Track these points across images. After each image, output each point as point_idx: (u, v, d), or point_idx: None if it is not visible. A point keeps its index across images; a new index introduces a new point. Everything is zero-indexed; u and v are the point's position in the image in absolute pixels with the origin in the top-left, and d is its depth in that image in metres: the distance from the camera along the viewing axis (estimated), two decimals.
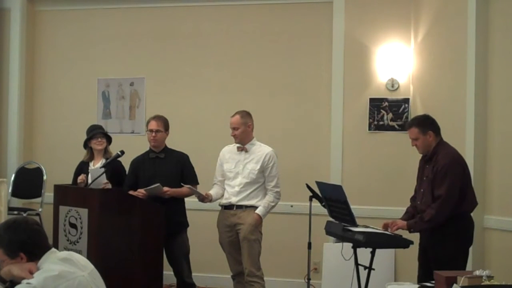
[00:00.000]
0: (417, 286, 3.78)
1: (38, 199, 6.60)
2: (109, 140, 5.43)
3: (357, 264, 4.39)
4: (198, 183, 5.18)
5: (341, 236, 4.33)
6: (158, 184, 4.92)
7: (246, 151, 5.00)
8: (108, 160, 5.17)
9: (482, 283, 3.23)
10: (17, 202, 6.73)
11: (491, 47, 4.67)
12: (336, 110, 6.12)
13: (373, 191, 6.00)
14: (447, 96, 5.26)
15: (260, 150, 5.00)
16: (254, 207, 4.90)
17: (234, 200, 4.94)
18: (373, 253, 4.24)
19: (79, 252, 4.26)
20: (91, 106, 6.79)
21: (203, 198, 5.00)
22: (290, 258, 6.11)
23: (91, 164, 5.36)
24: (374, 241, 4.15)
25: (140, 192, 4.95)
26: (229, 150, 5.10)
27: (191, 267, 5.22)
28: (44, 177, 6.59)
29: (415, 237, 4.35)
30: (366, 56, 6.07)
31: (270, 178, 4.95)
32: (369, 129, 6.06)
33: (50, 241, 3.55)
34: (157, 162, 5.15)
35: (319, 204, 4.87)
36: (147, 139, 5.22)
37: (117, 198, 4.91)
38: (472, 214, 4.22)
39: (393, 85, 6.00)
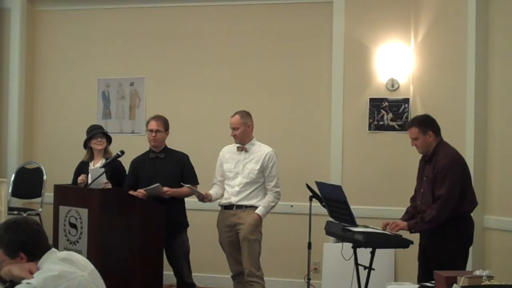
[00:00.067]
0: (417, 286, 3.78)
1: (38, 199, 6.60)
2: (109, 140, 5.43)
3: (357, 264, 4.39)
4: (198, 183, 5.18)
5: (341, 236, 4.33)
6: (158, 184, 4.92)
7: (246, 151, 5.00)
8: (108, 160, 5.18)
9: (482, 283, 3.23)
10: (17, 202, 6.73)
11: (491, 47, 4.67)
12: (336, 110, 6.12)
13: (373, 191, 6.00)
14: (447, 96, 5.26)
15: (260, 150, 5.00)
16: (254, 207, 4.90)
17: (234, 200, 4.94)
18: (373, 253, 4.24)
19: (79, 252, 4.27)
20: (91, 106, 6.79)
21: (203, 198, 5.00)
22: (290, 258, 6.11)
23: (91, 164, 5.36)
24: (374, 241, 4.15)
25: (140, 192, 4.95)
26: (229, 150, 5.10)
27: (191, 267, 5.22)
28: (44, 177, 6.59)
29: (415, 237, 4.35)
30: (366, 56, 6.07)
31: (270, 178, 4.95)
32: (369, 129, 6.06)
33: (50, 241, 3.55)
34: (157, 162, 5.15)
35: (319, 204, 4.87)
36: (147, 139, 5.22)
37: (117, 198, 4.91)
38: (472, 214, 4.22)
39: (393, 85, 6.00)
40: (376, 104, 6.03)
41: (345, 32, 6.09)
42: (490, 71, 4.67)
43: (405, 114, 5.95)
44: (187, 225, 5.21)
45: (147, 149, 5.24)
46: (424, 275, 4.17)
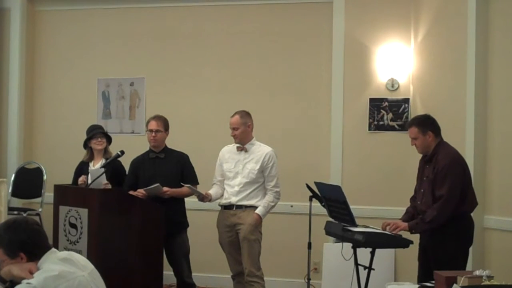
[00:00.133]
0: (417, 286, 3.78)
1: (38, 199, 6.60)
2: (109, 140, 5.43)
3: (357, 264, 4.39)
4: (198, 183, 5.18)
5: (341, 236, 4.32)
6: (157, 184, 4.92)
7: (246, 151, 5.00)
8: (108, 160, 5.18)
9: (482, 283, 3.23)
10: (17, 202, 6.73)
11: (491, 47, 4.67)
12: (336, 110, 6.12)
13: (373, 191, 5.99)
14: (447, 96, 5.26)
15: (260, 150, 5.00)
16: (254, 207, 4.90)
17: (233, 200, 4.94)
18: (373, 253, 4.24)
19: (79, 252, 4.26)
20: (91, 106, 6.79)
21: (203, 198, 5.00)
22: (290, 258, 6.11)
23: (91, 164, 5.36)
24: (374, 241, 4.15)
25: (140, 192, 4.95)
26: (229, 150, 5.10)
27: (191, 267, 5.22)
28: (44, 177, 6.59)
29: (415, 237, 4.35)
30: (366, 56, 6.07)
31: (270, 178, 4.96)
32: (369, 129, 6.06)
33: (50, 241, 3.56)
34: (157, 162, 5.15)
35: (319, 204, 4.86)
36: (147, 139, 5.22)
37: (117, 198, 4.91)
38: (472, 214, 4.22)
39: (393, 85, 6.00)
40: (376, 104, 6.03)
41: (345, 32, 6.09)
42: (490, 71, 4.67)
43: (405, 114, 5.95)
44: (187, 225, 5.21)
45: (147, 149, 5.24)
46: (424, 275, 4.16)
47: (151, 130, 5.13)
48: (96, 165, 5.29)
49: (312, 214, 4.90)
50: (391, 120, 6.00)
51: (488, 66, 4.68)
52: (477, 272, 3.31)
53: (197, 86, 6.56)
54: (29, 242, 2.72)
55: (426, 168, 4.32)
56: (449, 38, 5.26)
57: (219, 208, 5.09)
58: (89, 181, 5.10)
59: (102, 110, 6.80)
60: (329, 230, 4.55)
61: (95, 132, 5.37)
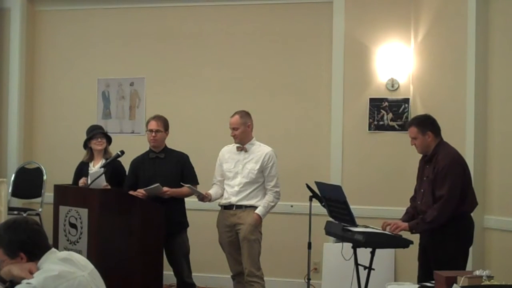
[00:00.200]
0: (417, 286, 3.78)
1: (38, 199, 6.60)
2: (109, 140, 5.42)
3: (357, 264, 4.39)
4: (198, 183, 5.18)
5: (341, 236, 4.32)
6: (157, 184, 4.92)
7: (246, 151, 5.00)
8: (108, 160, 5.17)
9: (482, 283, 3.23)
10: (17, 202, 6.73)
11: (491, 47, 4.67)
12: (336, 110, 6.12)
13: (373, 191, 5.99)
14: (447, 96, 5.26)
15: (260, 150, 5.00)
16: (254, 207, 4.90)
17: (233, 200, 4.94)
18: (373, 253, 4.24)
19: (79, 252, 4.27)
20: (91, 106, 6.79)
21: (203, 198, 5.00)
22: (290, 258, 6.11)
23: (91, 164, 5.36)
24: (374, 241, 4.15)
25: (140, 192, 4.95)
26: (229, 150, 5.10)
27: (191, 267, 5.22)
28: (44, 177, 6.59)
29: (415, 237, 4.35)
30: (366, 56, 6.07)
31: (270, 178, 4.95)
32: (369, 129, 6.06)
33: (50, 241, 3.56)
34: (157, 162, 5.15)
35: (319, 204, 4.86)
36: (147, 139, 5.22)
37: (117, 198, 4.92)
38: (472, 214, 4.22)
39: (393, 85, 6.00)
40: (376, 104, 6.03)
41: (345, 32, 6.09)
42: (490, 71, 4.67)
43: (405, 114, 5.95)
44: (187, 225, 5.21)
45: (147, 149, 5.24)
46: (424, 275, 4.16)
47: (151, 130, 5.13)
48: (96, 166, 5.29)
49: (312, 214, 4.90)
50: (391, 120, 6.00)
51: (488, 66, 4.68)
52: (477, 272, 3.31)
53: (197, 86, 6.56)
54: (29, 242, 2.72)
55: (426, 168, 4.32)
56: (449, 38, 5.26)
57: (219, 208, 5.09)
58: (89, 182, 5.10)
59: (102, 110, 6.80)
60: (329, 230, 4.55)
61: (95, 132, 5.37)
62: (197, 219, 5.58)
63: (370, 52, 6.07)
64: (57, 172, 6.33)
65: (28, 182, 6.70)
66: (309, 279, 5.08)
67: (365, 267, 4.29)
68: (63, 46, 6.91)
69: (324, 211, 4.74)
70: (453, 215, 4.08)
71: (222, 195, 5.07)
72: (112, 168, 5.18)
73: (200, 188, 5.10)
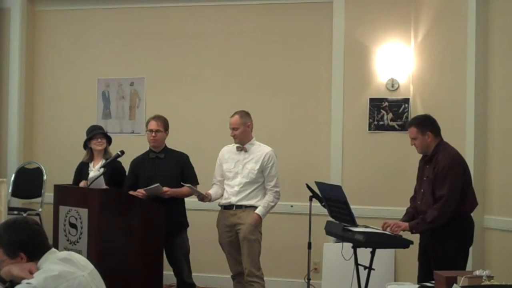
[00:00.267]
0: (417, 286, 3.78)
1: (38, 199, 6.60)
2: (109, 140, 5.42)
3: (357, 264, 4.39)
4: (198, 183, 5.18)
5: (341, 236, 4.32)
6: (157, 184, 4.92)
7: (246, 151, 5.00)
8: (108, 160, 5.17)
9: (482, 283, 3.23)
10: (17, 202, 6.73)
11: (491, 47, 4.67)
12: (336, 110, 6.12)
13: (373, 191, 5.99)
14: (447, 96, 5.26)
15: (260, 150, 5.00)
16: (254, 207, 4.90)
17: (233, 200, 4.94)
18: (373, 253, 4.24)
19: (79, 252, 4.27)
20: (91, 106, 6.79)
21: (203, 198, 5.00)
22: (290, 258, 6.11)
23: (91, 165, 5.36)
24: (374, 241, 4.15)
25: (140, 192, 4.95)
26: (229, 150, 5.10)
27: (191, 267, 5.22)
28: (44, 177, 6.59)
29: (415, 237, 4.35)
30: (366, 56, 6.08)
31: (270, 178, 4.95)
32: (369, 129, 6.06)
33: (50, 241, 3.56)
34: (157, 162, 5.15)
35: (319, 204, 4.87)
36: (147, 139, 5.22)
37: (117, 198, 4.92)
38: (472, 214, 4.22)
39: (393, 85, 6.00)
40: (376, 104, 6.03)
41: (345, 32, 6.09)
42: (490, 71, 4.67)
43: (405, 114, 5.95)
44: (187, 225, 5.21)
45: (147, 149, 5.24)
46: (424, 275, 4.16)
47: (151, 130, 5.13)
48: (96, 166, 5.29)
49: (312, 214, 4.90)
50: (391, 120, 6.00)
51: (488, 66, 4.68)
52: (477, 272, 3.31)
53: (197, 86, 6.56)
54: (29, 242, 2.72)
55: (426, 168, 4.32)
56: (449, 38, 5.26)
57: (219, 208, 5.09)
58: (89, 182, 5.11)
59: (102, 110, 6.80)
60: (330, 230, 4.55)
61: (95, 132, 5.37)
62: (197, 219, 5.58)
63: (370, 52, 6.07)
64: (57, 172, 6.33)
65: (28, 182, 6.70)
66: (309, 279, 5.08)
67: (365, 267, 4.29)
68: (63, 46, 6.91)
69: (324, 211, 4.74)
70: (453, 215, 4.08)
71: (222, 195, 5.07)
72: (112, 168, 5.18)
73: (200, 188, 5.10)
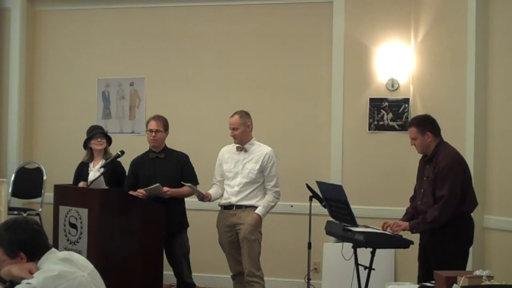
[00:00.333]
0: (417, 286, 3.78)
1: (38, 199, 6.60)
2: (109, 140, 5.42)
3: (357, 264, 4.39)
4: (198, 183, 5.18)
5: (341, 236, 4.32)
6: (158, 184, 4.92)
7: (246, 151, 5.00)
8: (108, 160, 5.17)
9: (482, 283, 3.23)
10: (17, 202, 6.73)
11: (491, 47, 4.67)
12: (336, 110, 6.12)
13: (373, 191, 5.99)
14: (447, 96, 5.26)
15: (260, 150, 5.00)
16: (254, 207, 4.90)
17: (233, 200, 4.94)
18: (373, 253, 4.24)
19: (79, 252, 4.26)
20: (91, 106, 6.80)
21: (203, 197, 5.00)
22: (290, 258, 6.11)
23: (91, 165, 5.36)
24: (374, 241, 4.15)
25: (140, 192, 4.95)
26: (228, 150, 5.10)
27: (191, 267, 5.22)
28: (44, 177, 6.59)
29: (415, 237, 4.35)
30: (366, 56, 6.07)
31: (270, 178, 4.95)
32: (369, 129, 6.06)
33: (50, 241, 3.56)
34: (157, 162, 5.15)
35: (319, 204, 4.87)
36: (147, 139, 5.22)
37: (117, 198, 4.92)
38: (472, 214, 4.22)
39: (393, 85, 6.00)
40: (376, 104, 6.03)
41: (345, 32, 6.09)
42: (490, 71, 4.67)
43: (405, 114, 5.95)
44: (187, 225, 5.21)
45: (147, 149, 5.24)
46: (424, 275, 4.16)
47: (151, 130, 5.13)
48: (96, 166, 5.29)
49: (312, 214, 4.90)
50: (391, 120, 6.00)
51: (488, 66, 4.67)
52: (477, 272, 3.31)
53: (197, 86, 6.56)
54: (29, 242, 2.72)
55: (426, 168, 4.32)
56: (449, 38, 5.26)
57: (219, 208, 5.09)
58: (89, 182, 5.11)
59: (102, 110, 6.80)
60: (330, 230, 4.55)
61: (95, 132, 5.37)
62: (197, 219, 5.58)
63: (370, 52, 6.07)
64: (57, 172, 6.33)
65: (28, 182, 6.70)
66: (309, 279, 5.08)
67: (365, 267, 4.28)
68: (63, 46, 6.91)
69: (324, 211, 4.74)
70: (453, 215, 4.08)
71: (222, 195, 5.07)
72: (112, 168, 5.18)
73: (200, 188, 5.09)
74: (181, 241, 5.13)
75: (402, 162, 5.86)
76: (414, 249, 4.36)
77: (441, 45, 5.42)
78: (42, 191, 6.55)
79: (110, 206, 4.77)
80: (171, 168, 5.12)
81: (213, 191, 5.08)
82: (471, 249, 4.29)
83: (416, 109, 5.78)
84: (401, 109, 5.98)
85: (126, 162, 5.30)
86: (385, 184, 5.99)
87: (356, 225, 4.28)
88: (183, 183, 4.99)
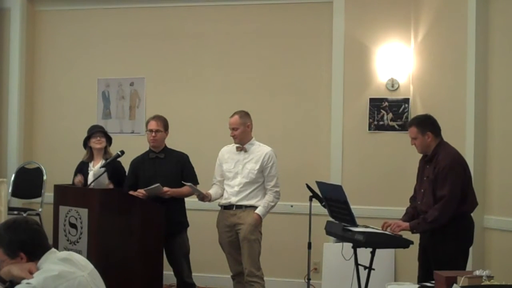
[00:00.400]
0: (417, 286, 3.78)
1: (38, 199, 6.60)
2: (109, 140, 5.42)
3: (357, 264, 4.39)
4: (198, 183, 5.18)
5: (341, 236, 4.32)
6: (158, 184, 4.92)
7: (245, 151, 5.00)
8: (108, 160, 5.18)
9: (482, 283, 3.23)
10: (17, 202, 6.73)
11: (491, 47, 4.67)
12: (336, 110, 6.12)
13: (373, 191, 5.99)
14: (447, 96, 5.26)
15: (259, 150, 5.00)
16: (254, 207, 4.90)
17: (233, 200, 4.94)
18: (373, 253, 4.24)
19: (79, 252, 4.27)
20: (91, 106, 6.80)
21: (203, 197, 5.00)
22: (290, 258, 6.11)
23: (91, 164, 5.36)
24: (374, 241, 4.15)
25: (140, 192, 4.95)
26: (228, 150, 5.10)
27: (191, 267, 5.22)
28: (44, 177, 6.59)
29: (415, 237, 4.35)
30: (366, 56, 6.07)
31: (270, 178, 4.95)
32: (369, 129, 6.06)
33: (50, 241, 3.56)
34: (157, 162, 5.15)
35: (319, 204, 4.87)
36: (147, 139, 5.22)
37: (117, 198, 4.92)
38: (472, 214, 4.22)
39: (393, 85, 6.00)
40: (376, 104, 6.03)
41: (345, 32, 6.09)
42: (490, 71, 4.67)
43: (405, 114, 5.95)
44: (187, 225, 5.21)
45: (147, 149, 5.24)
46: (424, 275, 4.16)
47: (151, 130, 5.13)
48: (96, 166, 5.29)
49: (312, 214, 4.90)
50: (391, 120, 6.00)
51: (488, 66, 4.68)
52: (477, 272, 3.31)
53: (197, 86, 6.56)
54: (29, 242, 2.72)
55: (427, 168, 4.32)
56: (449, 38, 5.26)
57: (219, 208, 5.09)
58: (90, 181, 5.11)
59: (102, 110, 6.80)
60: (330, 230, 4.55)
61: (94, 130, 5.38)
62: (197, 219, 5.58)
63: (370, 52, 6.06)
64: (57, 172, 6.33)
65: (28, 182, 6.70)
66: (309, 279, 5.08)
67: (365, 267, 4.29)
68: (63, 46, 6.91)
69: (324, 211, 4.74)
70: (453, 215, 4.08)
71: (222, 195, 5.07)
72: (112, 168, 5.18)
73: (199, 188, 5.09)
74: (181, 241, 5.13)
75: (402, 162, 5.85)
76: (414, 249, 4.36)
77: (441, 45, 5.42)
78: (42, 191, 6.55)
79: (110, 206, 4.77)
80: (171, 168, 5.12)
81: (213, 191, 5.08)
82: (471, 249, 4.29)
83: (416, 109, 5.78)
84: (401, 109, 5.98)
85: (126, 162, 5.30)
86: (385, 184, 5.99)
87: (356, 225, 4.28)
88: (183, 182, 4.99)
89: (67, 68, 6.90)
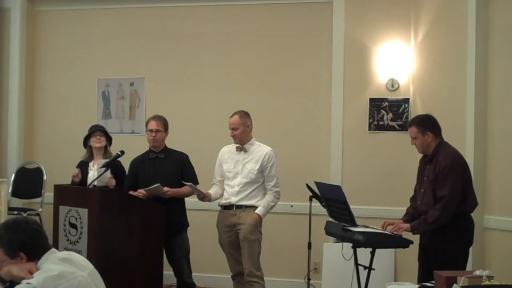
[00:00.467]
0: (417, 286, 3.78)
1: (38, 199, 6.60)
2: (109, 140, 5.42)
3: (357, 264, 4.39)
4: (198, 183, 5.18)
5: (341, 236, 4.33)
6: (158, 184, 4.92)
7: (245, 151, 5.00)
8: (108, 160, 5.17)
9: (482, 283, 3.23)
10: (17, 202, 6.72)
11: (491, 47, 4.67)
12: (336, 110, 6.12)
13: (373, 191, 5.99)
14: (447, 96, 5.26)
15: (259, 150, 5.00)
16: (254, 207, 4.90)
17: (233, 200, 4.94)
18: (373, 253, 4.24)
19: (79, 252, 4.27)
20: (91, 106, 6.80)
21: (204, 197, 5.01)
22: (290, 258, 6.11)
23: (90, 164, 5.36)
24: (374, 241, 4.15)
25: (140, 192, 4.95)
26: (228, 150, 5.10)
27: (191, 267, 5.22)
28: (44, 177, 6.59)
29: (415, 237, 4.35)
30: (366, 56, 6.07)
31: (270, 178, 4.95)
32: (369, 129, 6.06)
33: (50, 241, 3.56)
34: (157, 162, 5.15)
35: (319, 204, 4.87)
36: (147, 139, 5.22)
37: (117, 198, 4.92)
38: (472, 214, 4.22)
39: (393, 85, 6.00)
40: (376, 104, 6.03)
41: (345, 32, 6.09)
42: (490, 71, 4.67)
43: (405, 114, 5.95)
44: (187, 225, 5.21)
45: (147, 149, 5.24)
46: (424, 275, 4.17)
47: (151, 130, 5.13)
48: (96, 165, 5.28)
49: (312, 214, 4.90)
50: (391, 120, 6.00)
51: (488, 66, 4.68)
52: (477, 272, 3.31)
53: (197, 86, 6.56)
54: (29, 242, 2.72)
55: (427, 168, 4.32)
56: (449, 38, 5.26)
57: (219, 208, 5.09)
58: (89, 179, 5.14)
59: (102, 110, 6.80)
60: (329, 230, 4.55)
61: (94, 129, 5.38)
62: (197, 219, 5.57)
63: (370, 52, 6.06)
64: (57, 172, 6.32)
65: (28, 182, 6.70)
66: (309, 279, 5.08)
67: (365, 267, 4.29)
68: (63, 46, 6.91)
69: (324, 211, 4.74)
70: (453, 215, 4.08)
71: (222, 195, 5.07)
72: (112, 168, 5.18)
73: (199, 188, 5.09)
74: (181, 241, 5.13)
75: (402, 162, 5.85)
76: (414, 249, 4.36)
77: (441, 45, 5.42)
78: (42, 191, 6.55)
79: (110, 206, 4.77)
80: (171, 168, 5.12)
81: (213, 191, 5.08)
82: (471, 249, 4.29)
83: (416, 109, 5.78)
84: (401, 109, 5.98)
85: (126, 162, 5.30)
86: (385, 184, 5.99)
87: (356, 225, 4.28)
88: (184, 182, 4.99)
89: (67, 68, 6.90)
